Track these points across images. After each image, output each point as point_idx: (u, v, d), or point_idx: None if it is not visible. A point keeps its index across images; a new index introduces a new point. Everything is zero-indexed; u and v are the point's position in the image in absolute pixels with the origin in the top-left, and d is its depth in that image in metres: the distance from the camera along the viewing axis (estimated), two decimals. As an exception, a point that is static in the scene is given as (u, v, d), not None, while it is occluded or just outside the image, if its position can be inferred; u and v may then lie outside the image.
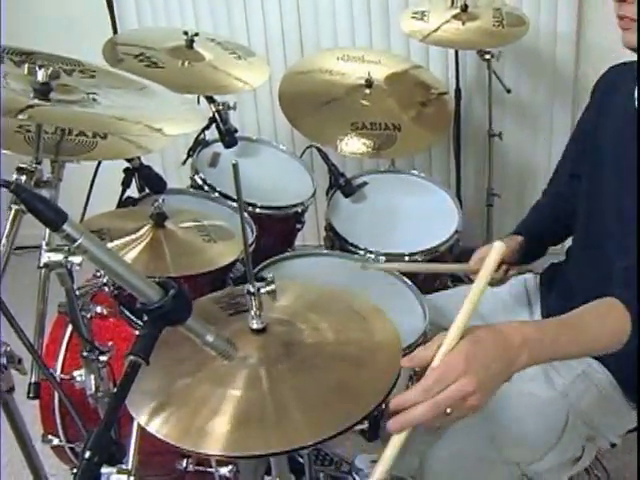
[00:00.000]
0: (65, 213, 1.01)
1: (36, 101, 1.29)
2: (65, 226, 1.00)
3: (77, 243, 1.01)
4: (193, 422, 1.16)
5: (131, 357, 1.06)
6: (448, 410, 1.12)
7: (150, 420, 1.17)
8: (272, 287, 1.30)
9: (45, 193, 1.47)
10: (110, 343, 1.75)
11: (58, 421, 2.00)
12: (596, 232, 1.70)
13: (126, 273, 1.07)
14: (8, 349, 1.38)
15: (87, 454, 0.99)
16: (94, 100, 1.39)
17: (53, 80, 1.32)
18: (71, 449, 2.05)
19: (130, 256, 1.70)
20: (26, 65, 1.31)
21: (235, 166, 1.17)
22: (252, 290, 1.27)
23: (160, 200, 1.78)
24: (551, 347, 1.24)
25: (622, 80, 1.70)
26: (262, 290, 1.28)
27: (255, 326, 1.29)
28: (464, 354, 1.14)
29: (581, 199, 1.80)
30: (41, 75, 1.31)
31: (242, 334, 1.29)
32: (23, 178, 1.43)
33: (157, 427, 1.15)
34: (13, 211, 1.39)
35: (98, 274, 2.04)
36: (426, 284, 2.12)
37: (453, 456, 1.69)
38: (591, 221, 1.74)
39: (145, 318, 1.10)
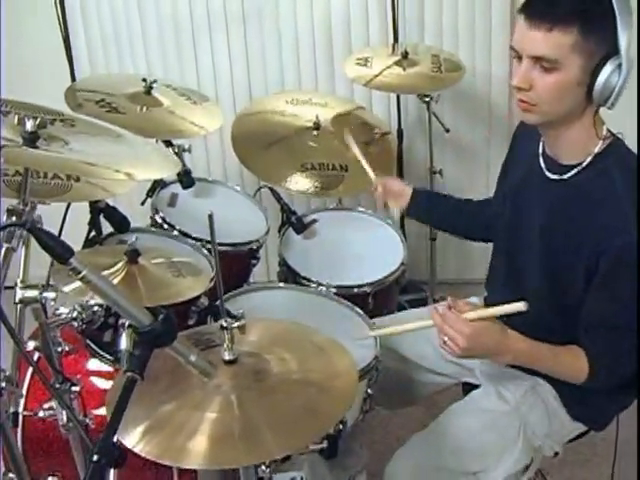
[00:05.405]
0: (72, 248, 1.14)
1: (25, 148, 1.38)
2: (72, 260, 1.13)
3: (82, 274, 1.14)
4: (174, 442, 1.28)
5: (128, 373, 1.18)
6: (445, 338, 1.63)
7: (136, 441, 1.28)
8: (242, 322, 1.43)
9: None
10: (78, 376, 1.83)
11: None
12: (517, 275, 1.87)
13: (122, 300, 1.20)
14: (7, 373, 1.45)
15: (95, 457, 1.10)
16: (70, 149, 1.49)
17: (41, 129, 1.42)
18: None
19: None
20: (16, 116, 1.41)
21: (210, 217, 1.33)
22: (225, 325, 1.40)
23: (133, 238, 1.88)
24: (530, 363, 1.74)
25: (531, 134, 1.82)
26: (234, 325, 1.41)
27: (227, 357, 1.42)
28: (478, 329, 1.61)
29: (500, 237, 1.96)
30: (30, 125, 1.41)
31: (215, 365, 1.41)
32: (13, 218, 1.52)
33: (142, 447, 1.27)
34: (4, 249, 1.45)
35: (58, 312, 2.10)
36: (375, 313, 2.24)
37: (413, 466, 1.83)
38: (511, 264, 1.90)
39: (138, 339, 1.22)
